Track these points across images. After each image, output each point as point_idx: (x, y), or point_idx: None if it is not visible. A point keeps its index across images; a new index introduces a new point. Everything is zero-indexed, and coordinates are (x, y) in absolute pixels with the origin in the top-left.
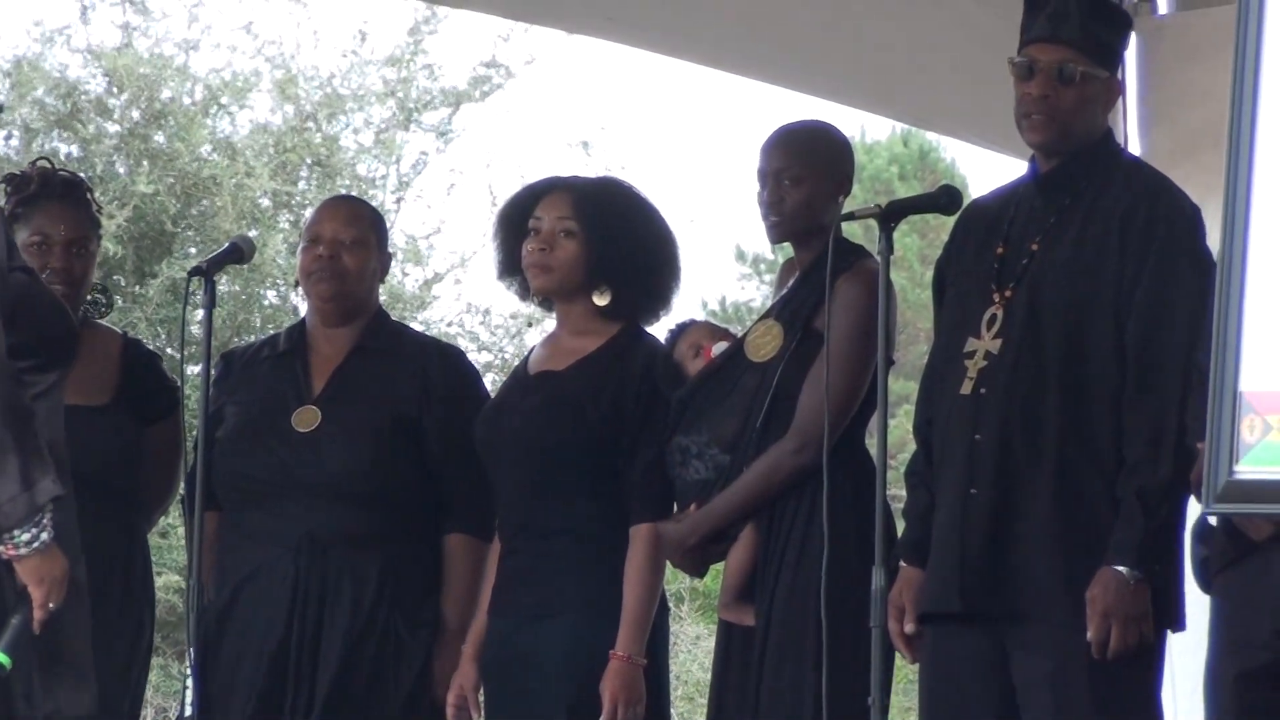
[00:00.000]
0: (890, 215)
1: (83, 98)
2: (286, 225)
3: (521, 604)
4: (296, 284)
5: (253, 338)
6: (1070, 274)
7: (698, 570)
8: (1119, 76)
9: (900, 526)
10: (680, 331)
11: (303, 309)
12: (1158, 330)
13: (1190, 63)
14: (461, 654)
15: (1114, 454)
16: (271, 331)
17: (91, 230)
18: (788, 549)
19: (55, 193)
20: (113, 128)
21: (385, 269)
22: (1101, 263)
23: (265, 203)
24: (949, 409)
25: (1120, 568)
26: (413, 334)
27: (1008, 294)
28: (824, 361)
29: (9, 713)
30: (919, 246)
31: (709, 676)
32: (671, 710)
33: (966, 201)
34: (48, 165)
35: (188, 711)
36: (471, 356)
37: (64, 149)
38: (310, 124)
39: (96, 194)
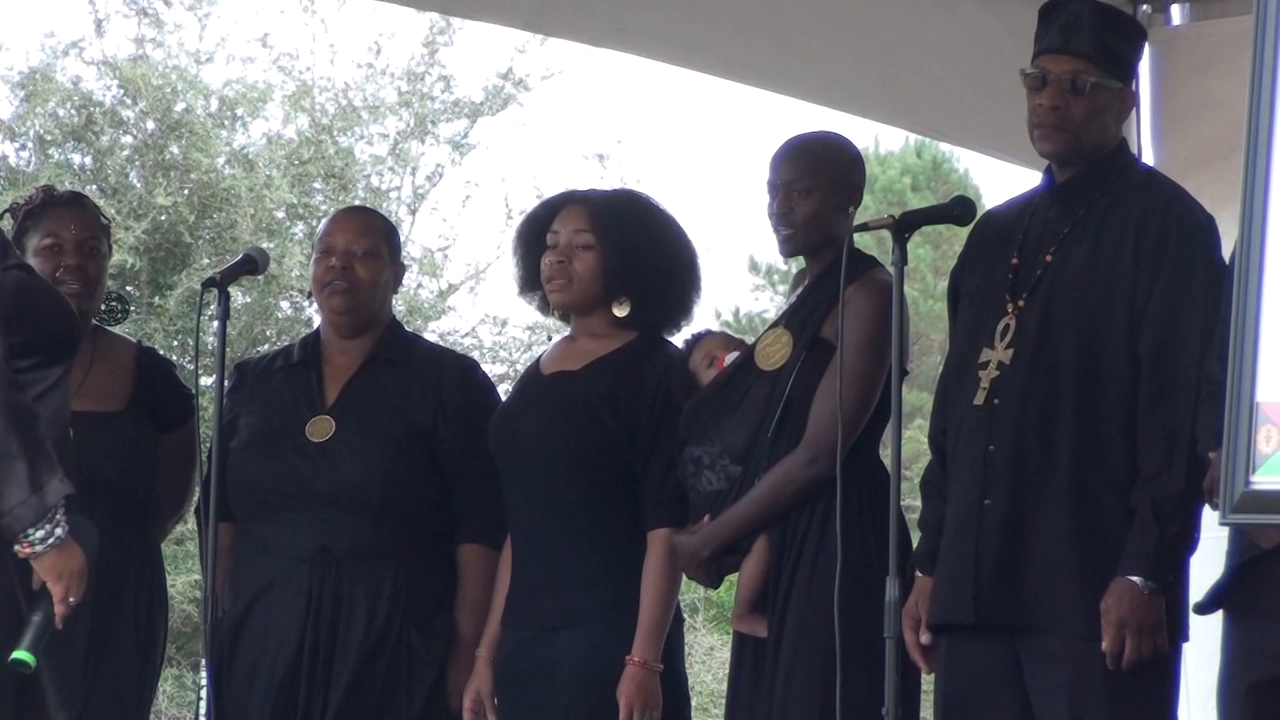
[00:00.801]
0: (904, 226)
1: (97, 109)
2: (302, 237)
3: (538, 614)
4: (309, 295)
5: (268, 349)
6: (1084, 284)
7: (712, 581)
8: (1133, 87)
9: (915, 537)
10: (695, 342)
11: (317, 320)
12: (1171, 340)
13: (1204, 73)
14: (476, 659)
15: (1127, 464)
16: (287, 343)
17: (101, 232)
18: (800, 560)
19: (62, 200)
20: (127, 139)
21: (398, 280)
22: (1115, 273)
23: (281, 215)
24: (962, 419)
25: (1134, 578)
26: (426, 345)
27: (1021, 304)
28: (835, 372)
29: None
30: (931, 257)
31: (723, 687)
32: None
33: (980, 212)
34: (50, 185)
35: None
36: (486, 368)
37: (77, 160)
38: (325, 136)
39: (111, 206)
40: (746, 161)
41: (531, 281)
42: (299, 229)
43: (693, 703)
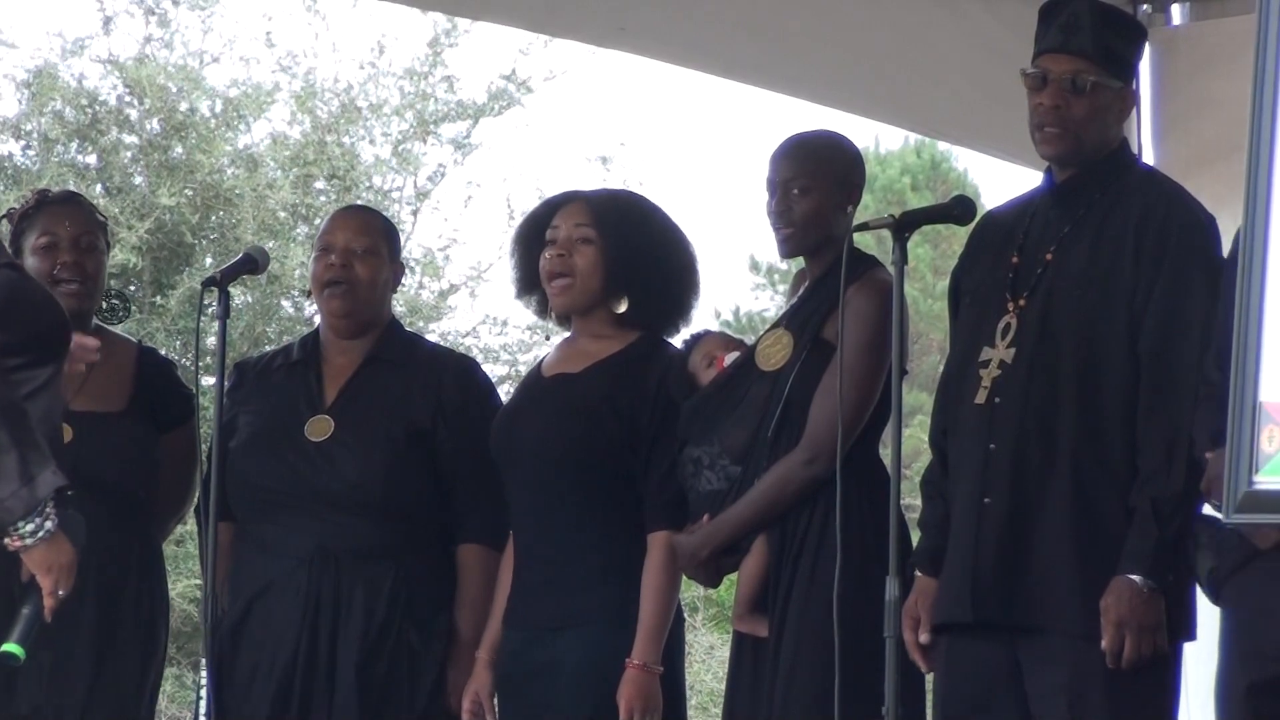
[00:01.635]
0: (904, 225)
1: (101, 108)
2: (305, 237)
3: (539, 615)
4: (308, 293)
5: (269, 348)
6: (1084, 283)
7: (711, 581)
8: (1133, 87)
9: (915, 536)
10: (695, 342)
11: (318, 319)
12: (1171, 340)
13: (1205, 73)
14: (475, 660)
15: (1127, 463)
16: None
17: (98, 228)
18: (800, 560)
19: (56, 199)
20: (131, 139)
21: (398, 279)
22: (1115, 272)
23: (283, 215)
24: (963, 418)
25: (1134, 577)
26: (427, 345)
27: (1021, 303)
28: (835, 372)
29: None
30: (931, 257)
31: (723, 687)
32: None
33: (980, 212)
34: (45, 188)
35: None
36: (487, 368)
37: (82, 159)
38: (329, 136)
39: (114, 206)
40: (747, 161)
41: (530, 283)
42: (301, 229)
43: (692, 702)
